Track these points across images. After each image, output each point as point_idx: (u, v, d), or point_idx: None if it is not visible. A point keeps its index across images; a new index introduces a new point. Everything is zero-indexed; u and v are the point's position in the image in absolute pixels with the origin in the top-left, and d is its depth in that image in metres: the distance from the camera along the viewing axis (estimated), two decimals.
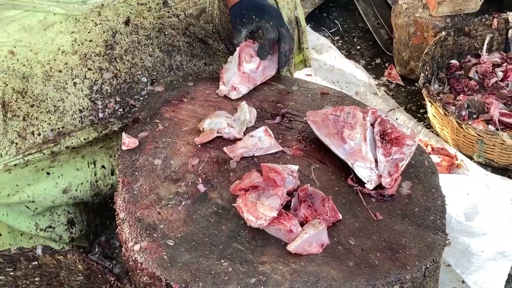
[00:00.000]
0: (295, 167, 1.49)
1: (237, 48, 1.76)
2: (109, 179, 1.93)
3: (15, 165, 1.71)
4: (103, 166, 1.91)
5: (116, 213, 1.47)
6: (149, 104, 1.74)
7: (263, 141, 1.57)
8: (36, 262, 1.62)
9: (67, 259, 1.62)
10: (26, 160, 1.72)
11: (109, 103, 1.82)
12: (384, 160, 1.53)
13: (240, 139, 1.60)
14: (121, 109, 1.83)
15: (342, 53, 3.07)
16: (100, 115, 1.81)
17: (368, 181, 1.51)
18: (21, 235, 1.89)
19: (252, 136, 1.58)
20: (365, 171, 1.52)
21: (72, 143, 1.77)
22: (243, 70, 1.75)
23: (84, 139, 1.79)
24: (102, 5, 1.80)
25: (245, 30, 1.77)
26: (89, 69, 1.81)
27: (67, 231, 1.93)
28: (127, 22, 1.86)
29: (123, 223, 1.42)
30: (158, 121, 1.67)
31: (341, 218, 1.42)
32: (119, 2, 1.84)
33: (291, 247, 1.33)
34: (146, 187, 1.49)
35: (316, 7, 3.28)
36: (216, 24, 1.95)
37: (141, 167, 1.54)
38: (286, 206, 1.42)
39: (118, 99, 1.83)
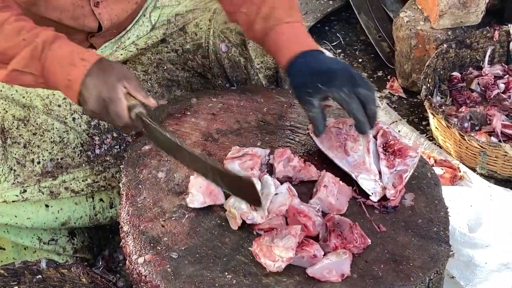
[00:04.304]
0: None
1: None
2: (108, 212, 1.92)
3: (13, 201, 1.70)
4: (101, 200, 1.89)
5: (120, 226, 1.47)
6: (153, 117, 1.75)
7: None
8: (40, 276, 1.63)
9: (71, 273, 1.62)
10: (24, 198, 1.71)
11: (106, 139, 1.82)
12: (388, 172, 1.53)
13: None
14: (117, 146, 1.83)
15: None
16: (97, 151, 1.81)
17: (372, 193, 1.51)
18: (25, 249, 1.89)
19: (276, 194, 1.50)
20: (369, 183, 1.52)
21: (71, 184, 1.77)
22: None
23: (83, 180, 1.79)
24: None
25: (315, 100, 1.47)
26: None
27: (70, 242, 1.93)
28: (124, 62, 1.86)
29: (127, 236, 1.43)
30: None
31: (370, 243, 1.40)
32: (117, 51, 1.83)
33: (309, 271, 1.32)
34: (150, 200, 1.49)
35: (317, 21, 3.29)
36: (212, 60, 1.94)
37: (144, 180, 1.55)
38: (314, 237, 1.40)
39: (115, 135, 1.83)
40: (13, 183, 1.70)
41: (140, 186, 1.53)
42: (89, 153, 1.80)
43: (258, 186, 1.40)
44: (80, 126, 1.80)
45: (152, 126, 1.44)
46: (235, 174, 1.40)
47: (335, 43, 3.28)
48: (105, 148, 1.82)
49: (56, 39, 1.46)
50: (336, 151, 1.57)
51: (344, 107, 1.47)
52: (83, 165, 1.79)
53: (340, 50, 3.23)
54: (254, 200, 1.37)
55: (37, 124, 1.74)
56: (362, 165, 1.55)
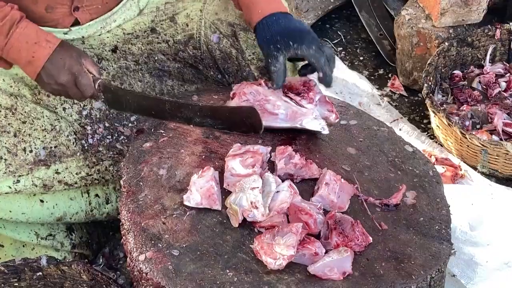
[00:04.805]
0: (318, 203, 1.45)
1: None
2: (104, 208, 1.91)
3: (6, 193, 1.70)
4: (97, 195, 1.89)
5: (121, 223, 1.47)
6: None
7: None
8: (40, 273, 1.63)
9: (71, 270, 1.62)
10: (17, 190, 1.71)
11: (98, 129, 1.81)
12: (313, 105, 1.63)
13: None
14: (109, 136, 1.82)
15: (345, 64, 3.07)
16: (90, 140, 1.80)
17: (322, 128, 1.60)
18: (24, 246, 1.89)
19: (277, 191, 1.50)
20: (314, 123, 1.61)
21: (64, 176, 1.77)
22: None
23: (76, 173, 1.79)
24: (83, 37, 1.80)
25: (281, 56, 1.61)
26: None
27: (68, 237, 1.93)
28: (114, 50, 1.86)
29: (128, 233, 1.42)
30: (162, 131, 1.67)
31: (371, 241, 1.40)
32: (102, 33, 1.83)
33: (310, 268, 1.32)
34: (151, 197, 1.49)
35: (319, 19, 3.28)
36: (203, 51, 1.94)
37: (145, 177, 1.54)
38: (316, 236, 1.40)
39: (107, 124, 1.82)
40: (5, 172, 1.69)
41: (141, 183, 1.53)
42: (83, 141, 1.80)
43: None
44: (71, 116, 1.79)
45: (123, 90, 1.59)
46: (232, 107, 1.44)
47: (336, 41, 3.27)
48: (97, 138, 1.81)
49: (21, 19, 1.60)
50: (265, 117, 1.62)
51: (313, 62, 1.62)
52: (78, 154, 1.78)
53: (341, 48, 3.23)
54: (255, 126, 1.45)
55: (25, 112, 1.73)
56: (297, 114, 1.62)
